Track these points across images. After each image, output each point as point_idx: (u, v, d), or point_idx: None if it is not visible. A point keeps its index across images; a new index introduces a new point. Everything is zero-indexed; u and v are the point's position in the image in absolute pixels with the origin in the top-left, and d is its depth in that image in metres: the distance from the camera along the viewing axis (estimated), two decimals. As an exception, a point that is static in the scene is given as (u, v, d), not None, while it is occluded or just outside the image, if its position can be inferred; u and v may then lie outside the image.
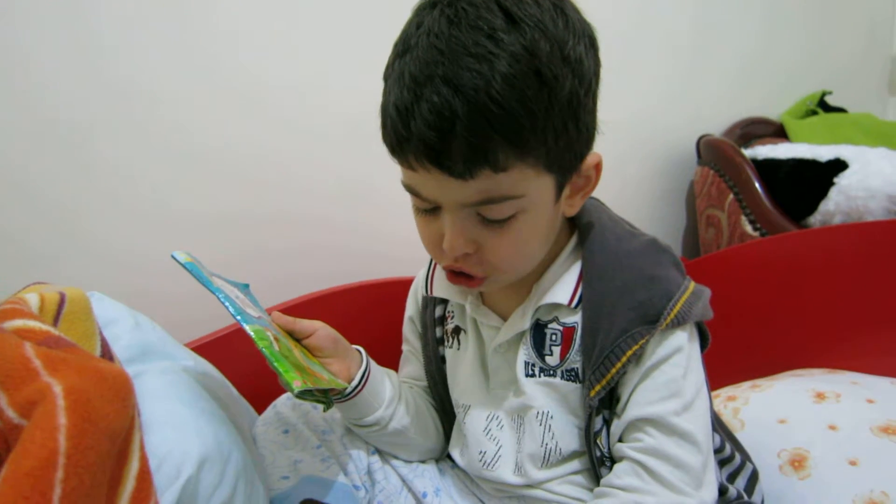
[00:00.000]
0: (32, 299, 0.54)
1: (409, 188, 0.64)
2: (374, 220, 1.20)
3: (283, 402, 0.81)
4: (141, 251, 1.00)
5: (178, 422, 0.57)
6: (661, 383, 0.65)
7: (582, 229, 0.73)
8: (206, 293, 0.63)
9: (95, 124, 0.94)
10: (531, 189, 0.61)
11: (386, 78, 0.62)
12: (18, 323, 0.47)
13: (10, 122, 0.88)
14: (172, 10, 0.98)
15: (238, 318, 0.61)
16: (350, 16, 1.14)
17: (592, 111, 0.64)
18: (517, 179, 0.59)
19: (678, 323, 0.65)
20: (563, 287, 0.70)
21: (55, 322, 0.55)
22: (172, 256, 0.63)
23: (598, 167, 0.67)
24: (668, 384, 0.65)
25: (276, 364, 0.60)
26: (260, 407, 0.85)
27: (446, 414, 0.86)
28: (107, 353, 0.59)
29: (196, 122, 1.03)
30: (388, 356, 0.89)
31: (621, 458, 0.67)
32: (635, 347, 0.64)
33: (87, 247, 0.96)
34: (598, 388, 0.66)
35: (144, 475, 0.42)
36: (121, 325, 0.69)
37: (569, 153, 0.62)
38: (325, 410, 0.70)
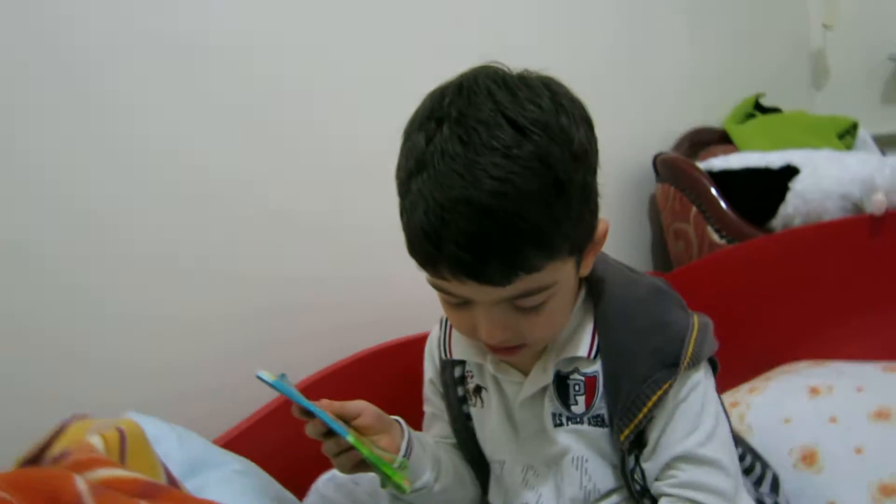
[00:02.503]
0: (97, 442, 0.56)
1: (438, 288, 0.67)
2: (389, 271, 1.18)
3: (324, 484, 0.83)
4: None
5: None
6: (684, 421, 0.70)
7: (588, 283, 0.77)
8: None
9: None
10: (560, 276, 0.65)
11: (402, 195, 0.64)
12: (103, 473, 0.48)
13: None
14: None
15: (336, 427, 0.65)
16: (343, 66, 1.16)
17: (596, 187, 0.69)
18: (548, 273, 0.63)
19: (693, 364, 0.70)
20: (580, 340, 0.74)
21: (122, 461, 0.56)
22: (258, 376, 0.64)
23: (605, 231, 0.71)
24: (690, 420, 0.70)
25: (384, 469, 0.64)
26: (297, 490, 0.86)
27: (477, 466, 0.89)
28: (171, 479, 0.60)
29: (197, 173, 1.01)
30: (414, 418, 0.92)
31: (660, 496, 0.71)
32: (659, 393, 0.68)
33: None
34: (626, 431, 0.70)
35: None
36: (166, 443, 0.70)
37: (586, 234, 0.67)
38: (405, 492, 0.71)
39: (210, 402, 0.97)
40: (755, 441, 1.00)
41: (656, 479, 0.72)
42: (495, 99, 0.60)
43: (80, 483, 0.42)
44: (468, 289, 0.62)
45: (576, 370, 0.75)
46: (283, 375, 0.72)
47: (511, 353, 0.71)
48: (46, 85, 0.86)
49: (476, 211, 0.57)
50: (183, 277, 1.00)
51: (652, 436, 0.71)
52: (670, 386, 0.69)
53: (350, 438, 0.66)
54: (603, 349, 0.73)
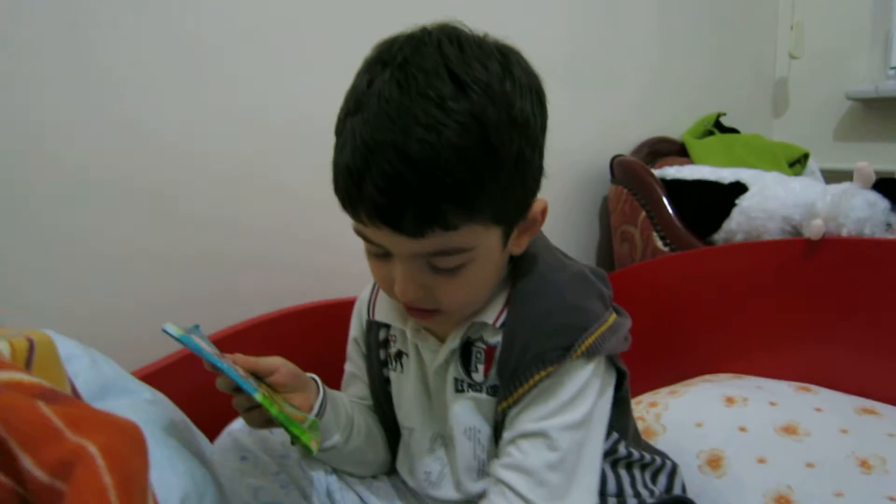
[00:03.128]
0: (3, 347, 0.54)
1: (361, 234, 0.66)
2: (326, 232, 1.21)
3: (239, 429, 0.82)
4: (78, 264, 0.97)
5: (154, 461, 0.58)
6: (548, 403, 0.68)
7: (516, 258, 0.76)
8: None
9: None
10: (480, 241, 0.64)
11: (337, 133, 0.64)
12: (4, 376, 0.47)
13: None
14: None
15: (244, 385, 0.63)
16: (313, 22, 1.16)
17: (539, 164, 0.67)
18: (466, 235, 0.62)
19: (587, 355, 0.68)
20: (491, 309, 0.74)
21: (27, 369, 0.54)
22: (164, 331, 0.61)
23: (543, 212, 0.71)
24: (554, 404, 0.68)
25: (291, 429, 0.63)
26: (209, 432, 0.85)
27: (391, 431, 0.89)
28: (76, 396, 0.59)
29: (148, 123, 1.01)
30: (336, 378, 0.92)
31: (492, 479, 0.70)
32: (543, 373, 0.67)
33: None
34: (504, 404, 0.70)
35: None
36: (77, 363, 0.68)
37: (515, 207, 0.66)
38: (311, 453, 0.70)
39: (129, 343, 0.95)
40: (667, 439, 1.04)
41: (496, 457, 0.72)
42: (443, 52, 0.59)
43: (-24, 380, 0.41)
44: (384, 236, 0.62)
45: (480, 338, 0.75)
46: (195, 327, 0.70)
47: (425, 316, 0.70)
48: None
49: (399, 156, 0.56)
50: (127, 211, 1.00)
51: (515, 409, 0.70)
52: (555, 369, 0.67)
53: (258, 396, 0.64)
54: (508, 322, 0.73)
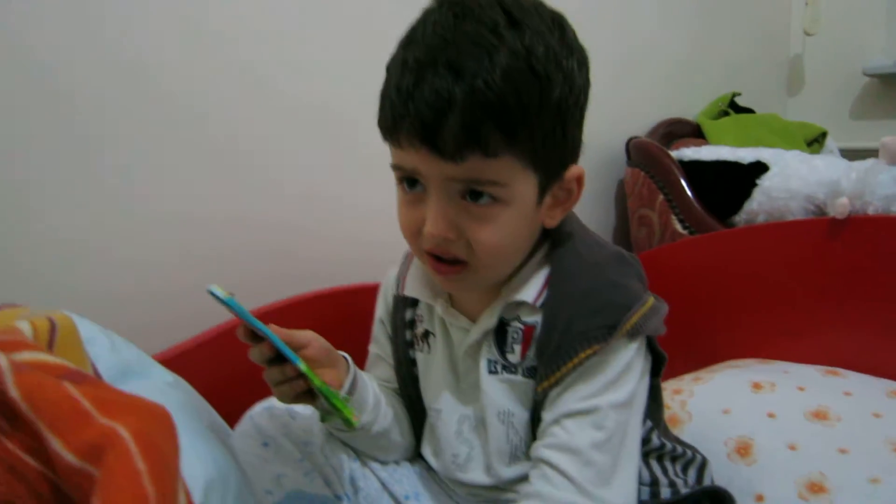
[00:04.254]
0: (25, 327, 0.52)
1: (397, 167, 0.66)
2: (348, 224, 1.21)
3: (260, 413, 0.80)
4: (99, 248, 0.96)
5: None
6: (594, 382, 0.67)
7: (554, 237, 0.75)
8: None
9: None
10: (516, 180, 0.63)
11: (389, 67, 0.65)
12: (28, 356, 0.45)
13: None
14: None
15: (288, 354, 0.64)
16: (334, 24, 1.15)
17: (579, 124, 0.67)
18: (504, 167, 0.62)
19: (631, 335, 0.67)
20: (530, 287, 0.72)
21: (49, 350, 0.52)
22: (210, 291, 0.60)
23: (579, 181, 0.70)
24: (600, 382, 0.66)
25: (333, 401, 0.63)
26: (229, 417, 0.83)
27: (416, 414, 0.87)
28: (98, 377, 0.57)
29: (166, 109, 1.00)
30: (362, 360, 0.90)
31: (534, 461, 0.68)
32: (588, 351, 0.65)
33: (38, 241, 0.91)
34: (545, 384, 0.68)
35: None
36: (98, 346, 0.66)
37: (553, 156, 0.65)
38: (353, 426, 0.69)
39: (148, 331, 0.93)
40: (693, 428, 1.02)
41: (538, 438, 0.70)
42: None
43: (2, 360, 0.39)
44: (423, 159, 0.62)
45: (517, 317, 0.73)
46: (232, 295, 0.69)
47: (452, 271, 0.68)
48: None
49: (451, 72, 0.58)
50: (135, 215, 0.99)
51: (557, 389, 0.68)
52: (601, 348, 0.65)
53: (301, 366, 0.64)
54: (548, 301, 0.71)
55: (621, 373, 0.67)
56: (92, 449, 0.33)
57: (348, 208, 1.21)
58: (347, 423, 0.65)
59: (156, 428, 0.35)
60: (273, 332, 0.66)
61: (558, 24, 0.64)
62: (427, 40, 0.61)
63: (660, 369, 0.76)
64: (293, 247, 1.17)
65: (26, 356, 0.44)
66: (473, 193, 0.63)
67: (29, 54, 0.86)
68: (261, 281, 1.11)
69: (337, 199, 1.19)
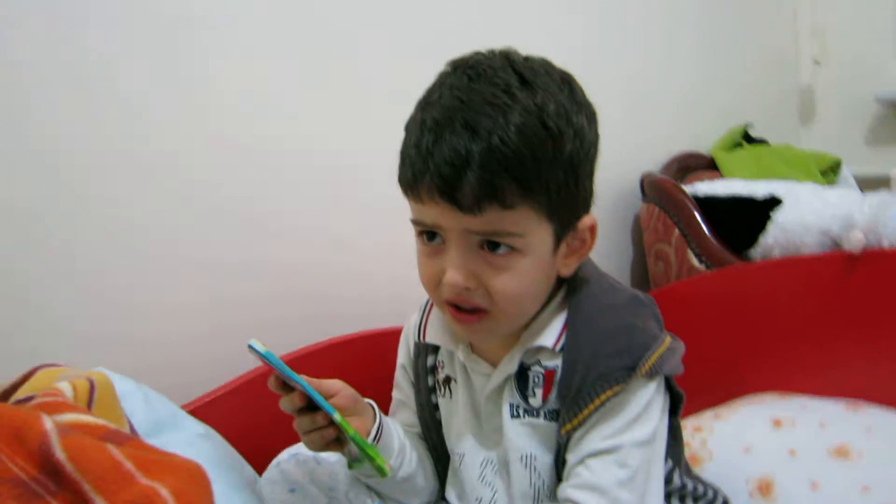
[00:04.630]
0: (66, 388, 0.55)
1: (417, 221, 0.70)
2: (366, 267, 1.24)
3: (286, 460, 0.82)
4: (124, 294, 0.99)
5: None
6: (616, 421, 0.68)
7: (570, 282, 0.77)
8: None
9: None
10: (532, 231, 0.67)
11: (407, 127, 0.69)
12: (70, 417, 0.48)
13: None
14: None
15: (324, 405, 0.67)
16: (344, 75, 1.18)
17: (590, 176, 0.71)
18: (520, 218, 0.65)
19: (650, 375, 0.69)
20: (549, 332, 0.74)
21: (89, 409, 0.55)
22: (250, 346, 0.64)
23: (592, 230, 0.72)
24: (622, 422, 0.69)
25: (367, 450, 0.66)
26: (255, 462, 0.86)
27: (440, 458, 0.89)
28: (134, 434, 0.60)
29: (180, 167, 1.03)
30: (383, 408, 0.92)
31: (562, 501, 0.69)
32: (609, 393, 0.67)
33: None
34: (569, 426, 0.70)
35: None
36: (132, 401, 0.69)
37: (567, 207, 0.68)
38: (385, 475, 0.72)
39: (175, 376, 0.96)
40: (714, 467, 1.02)
41: (563, 480, 0.71)
42: (510, 58, 0.67)
43: (48, 422, 0.42)
44: (442, 213, 0.65)
45: (538, 362, 0.75)
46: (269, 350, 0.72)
47: (473, 318, 0.70)
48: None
49: (468, 131, 0.62)
50: (153, 262, 1.02)
51: (580, 431, 0.70)
52: (622, 389, 0.68)
53: (336, 417, 0.66)
54: (568, 345, 0.73)
55: (642, 411, 0.69)
56: (136, 511, 0.35)
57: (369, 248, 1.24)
58: (380, 471, 0.68)
59: (193, 486, 0.38)
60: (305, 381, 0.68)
61: (567, 82, 0.68)
62: (444, 101, 0.65)
63: (678, 408, 0.77)
64: (317, 290, 1.19)
65: (69, 418, 0.47)
66: (492, 244, 0.66)
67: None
68: (283, 325, 1.13)
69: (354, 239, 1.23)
